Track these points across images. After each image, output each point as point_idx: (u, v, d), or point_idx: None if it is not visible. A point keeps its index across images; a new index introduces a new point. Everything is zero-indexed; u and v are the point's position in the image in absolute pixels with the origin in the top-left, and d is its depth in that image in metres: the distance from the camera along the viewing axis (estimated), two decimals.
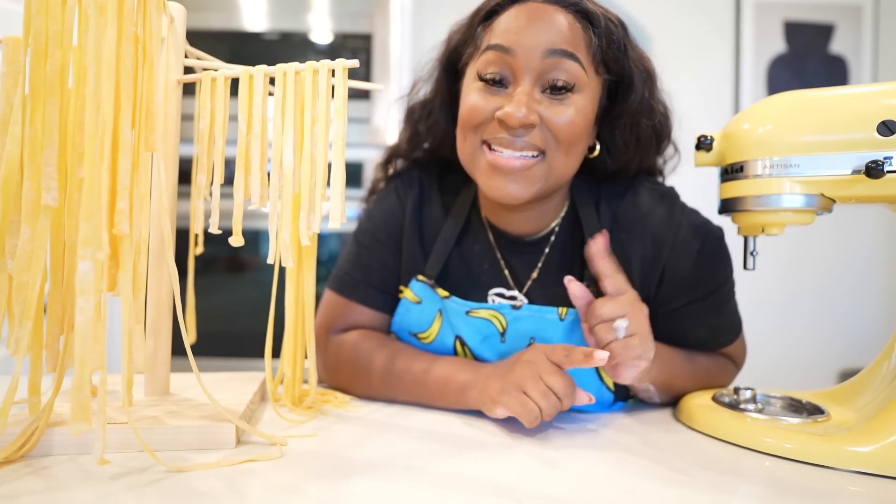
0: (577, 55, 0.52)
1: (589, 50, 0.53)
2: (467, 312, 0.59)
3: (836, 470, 0.43)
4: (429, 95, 0.64)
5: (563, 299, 0.57)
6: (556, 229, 0.61)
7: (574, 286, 0.54)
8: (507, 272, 0.61)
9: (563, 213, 0.62)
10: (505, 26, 0.53)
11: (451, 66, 0.61)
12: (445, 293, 0.60)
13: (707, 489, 0.39)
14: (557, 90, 0.53)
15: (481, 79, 0.54)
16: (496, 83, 0.54)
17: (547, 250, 0.61)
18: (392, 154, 0.69)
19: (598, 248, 0.54)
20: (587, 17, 0.53)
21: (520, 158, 0.53)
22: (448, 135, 0.63)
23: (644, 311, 0.52)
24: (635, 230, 0.58)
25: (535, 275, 0.61)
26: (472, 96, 0.55)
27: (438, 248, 0.62)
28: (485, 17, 0.56)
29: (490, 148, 0.54)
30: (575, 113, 0.53)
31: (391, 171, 0.70)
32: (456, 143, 0.59)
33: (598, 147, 0.59)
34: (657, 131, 0.61)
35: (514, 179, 0.53)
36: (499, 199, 0.55)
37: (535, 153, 0.53)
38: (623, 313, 0.50)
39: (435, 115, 0.63)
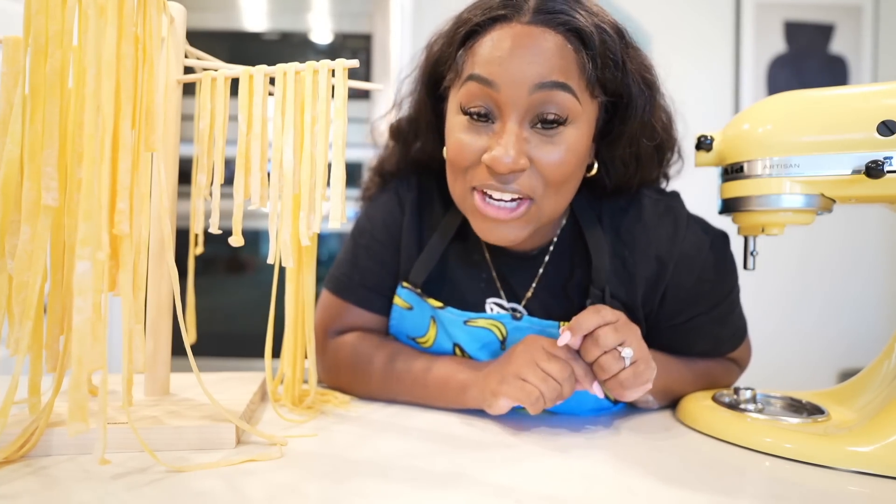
0: (569, 84, 0.48)
1: (582, 74, 0.48)
2: (465, 322, 0.58)
3: (836, 470, 0.43)
4: (413, 114, 0.62)
5: (562, 314, 0.57)
6: (554, 245, 0.60)
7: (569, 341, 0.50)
8: (501, 286, 0.60)
9: (560, 229, 0.60)
10: (487, 55, 0.49)
11: (434, 84, 0.57)
12: (439, 304, 0.59)
13: (707, 489, 0.39)
14: (548, 124, 0.49)
15: (465, 112, 0.51)
16: (481, 117, 0.50)
17: (543, 266, 0.60)
18: (381, 166, 0.68)
19: (567, 340, 0.49)
20: (579, 37, 0.48)
21: (509, 210, 0.50)
22: (437, 153, 0.60)
23: (637, 332, 0.50)
24: (639, 248, 0.56)
25: (531, 290, 0.60)
26: (457, 135, 0.51)
27: (424, 257, 0.60)
28: (464, 38, 0.51)
29: (481, 193, 0.52)
30: (566, 152, 0.49)
31: (383, 174, 0.68)
32: (444, 161, 0.57)
33: (595, 166, 0.56)
34: (659, 147, 0.58)
35: (504, 225, 0.51)
36: (493, 242, 0.53)
37: (523, 199, 0.51)
38: (624, 339, 0.48)
39: (422, 137, 0.61)
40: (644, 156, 0.57)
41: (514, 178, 0.50)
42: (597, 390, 0.50)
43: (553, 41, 0.48)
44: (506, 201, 0.51)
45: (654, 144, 0.57)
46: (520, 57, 0.48)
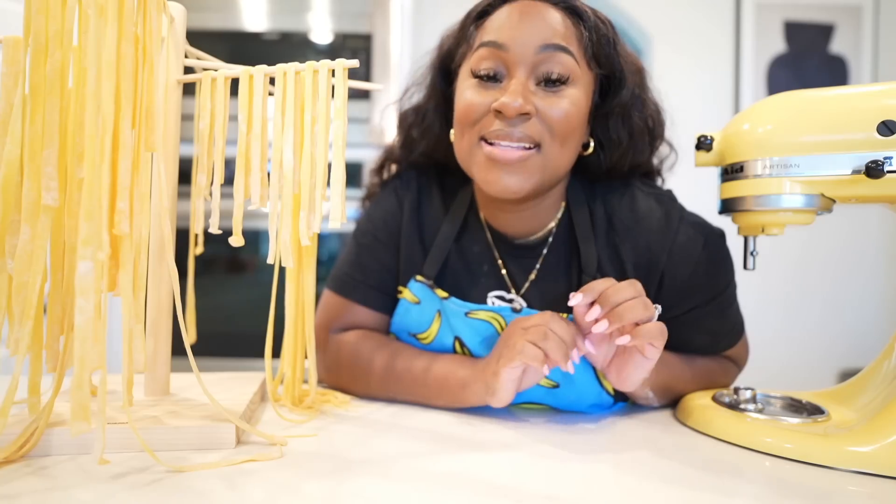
0: (570, 48, 0.53)
1: (581, 44, 0.54)
2: (466, 314, 0.58)
3: (836, 470, 0.43)
4: (422, 100, 0.64)
5: (561, 304, 0.57)
6: (553, 232, 0.61)
7: (579, 308, 0.50)
8: (504, 273, 0.61)
9: (559, 216, 0.61)
10: (497, 24, 0.54)
11: (445, 70, 0.61)
12: (444, 294, 0.60)
13: (707, 489, 0.39)
14: (552, 83, 0.53)
15: (475, 75, 0.55)
16: (490, 78, 0.54)
17: (544, 253, 0.61)
18: (386, 159, 0.69)
19: (579, 300, 0.49)
20: (577, 14, 0.54)
21: (517, 150, 0.53)
22: (442, 139, 0.62)
23: None
24: (630, 235, 0.58)
25: (532, 277, 0.61)
26: (467, 93, 0.55)
27: (436, 249, 0.62)
28: (477, 17, 0.57)
29: (487, 142, 0.54)
30: (570, 104, 0.53)
31: (386, 175, 0.70)
32: (450, 148, 0.59)
33: (591, 144, 0.59)
34: (650, 127, 0.61)
35: (511, 171, 0.53)
36: (497, 194, 0.54)
37: (531, 145, 0.53)
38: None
39: (429, 120, 0.63)
40: (636, 132, 0.59)
41: (520, 121, 0.52)
42: (588, 347, 0.50)
43: (555, 14, 0.54)
44: (513, 147, 0.53)
45: (645, 121, 0.60)
46: (527, 23, 0.53)
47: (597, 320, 0.48)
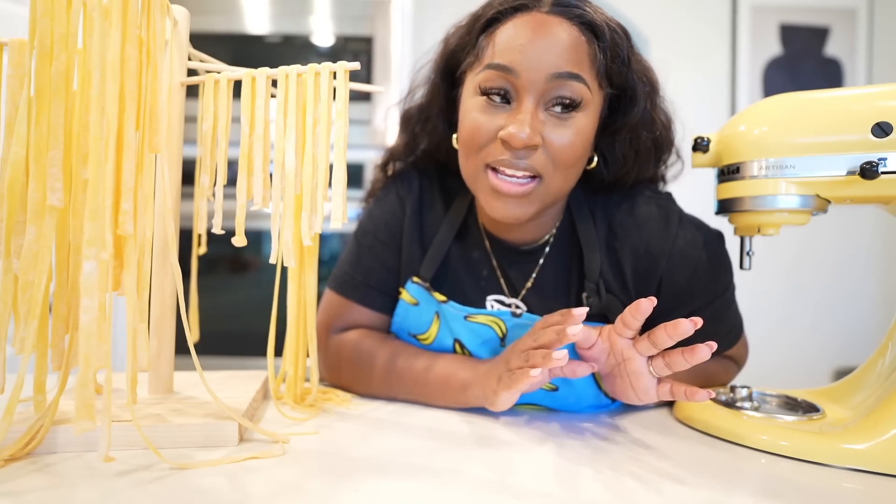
0: (581, 76, 0.51)
1: (593, 66, 0.52)
2: (466, 317, 0.59)
3: (831, 467, 0.44)
4: (425, 100, 0.64)
5: (559, 309, 0.57)
6: (552, 239, 0.61)
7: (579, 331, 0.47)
8: (502, 280, 0.62)
9: (558, 224, 0.61)
10: (507, 43, 0.51)
11: (449, 72, 0.60)
12: (443, 298, 0.60)
13: (703, 487, 0.40)
14: (562, 108, 0.52)
15: (483, 93, 0.53)
16: (499, 97, 0.52)
17: (542, 260, 0.61)
18: (390, 157, 0.69)
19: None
20: (592, 30, 0.52)
21: (520, 185, 0.52)
22: (445, 140, 0.63)
23: None
24: (630, 240, 0.58)
25: (530, 284, 0.61)
26: (474, 114, 0.53)
27: (433, 252, 0.62)
28: (486, 25, 0.54)
29: (493, 170, 0.53)
30: (576, 135, 0.52)
31: (390, 172, 0.70)
32: (452, 149, 0.59)
33: (595, 159, 0.58)
34: (657, 144, 0.60)
35: (514, 203, 0.53)
36: (501, 220, 0.55)
37: (534, 175, 0.53)
38: None
39: (433, 121, 0.63)
40: (643, 151, 0.59)
41: (526, 154, 0.52)
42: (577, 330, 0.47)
43: (569, 31, 0.51)
44: (518, 177, 0.53)
45: (653, 140, 0.59)
46: (539, 45, 0.50)
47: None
